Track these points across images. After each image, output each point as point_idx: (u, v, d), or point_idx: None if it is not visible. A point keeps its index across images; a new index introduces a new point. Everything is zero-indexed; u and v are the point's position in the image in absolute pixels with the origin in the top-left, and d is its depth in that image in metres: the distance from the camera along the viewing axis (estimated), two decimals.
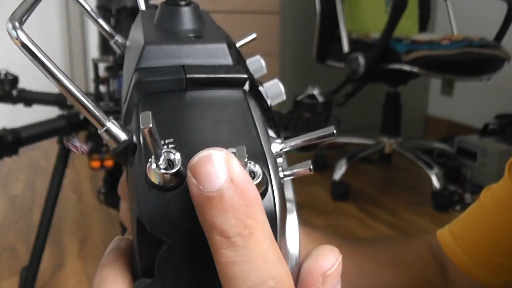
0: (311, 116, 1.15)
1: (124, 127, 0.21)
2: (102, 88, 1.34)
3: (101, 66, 1.37)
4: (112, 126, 0.20)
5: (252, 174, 0.19)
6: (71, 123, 1.11)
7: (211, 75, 0.22)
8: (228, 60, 0.23)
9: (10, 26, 0.18)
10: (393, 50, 1.78)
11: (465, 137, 2.23)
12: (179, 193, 0.19)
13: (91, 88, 1.87)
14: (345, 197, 1.96)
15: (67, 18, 2.79)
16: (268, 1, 2.27)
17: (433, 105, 2.89)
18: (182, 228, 0.19)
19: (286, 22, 2.38)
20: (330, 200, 1.96)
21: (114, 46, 0.32)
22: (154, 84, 0.22)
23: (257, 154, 0.20)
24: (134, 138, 0.20)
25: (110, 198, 1.24)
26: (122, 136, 0.20)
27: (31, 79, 1.21)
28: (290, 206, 0.25)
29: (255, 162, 0.19)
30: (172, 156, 0.18)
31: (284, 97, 0.27)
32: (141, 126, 0.17)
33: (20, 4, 0.21)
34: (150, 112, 0.18)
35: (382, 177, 2.29)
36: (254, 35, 0.31)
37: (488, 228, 0.51)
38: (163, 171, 0.18)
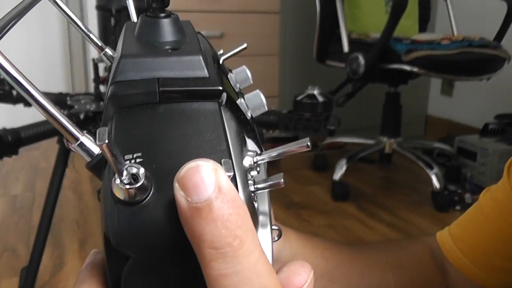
0: (311, 116, 1.15)
1: None
2: (102, 88, 1.33)
3: (101, 66, 1.37)
4: (86, 140, 0.20)
5: None
6: None
7: (184, 88, 0.22)
8: (204, 72, 0.23)
9: None
10: (393, 50, 1.78)
11: (465, 137, 2.23)
12: (143, 207, 0.19)
13: (91, 88, 1.87)
14: (345, 197, 1.96)
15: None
16: (268, 1, 2.27)
17: (433, 105, 2.89)
18: (146, 244, 0.19)
19: (286, 22, 2.37)
20: (330, 200, 1.96)
21: (104, 58, 0.32)
22: (128, 97, 0.22)
23: None
24: None
25: None
26: (95, 150, 0.20)
27: (31, 79, 1.21)
28: (264, 219, 0.25)
29: None
30: (134, 171, 0.18)
31: (265, 108, 0.27)
32: (97, 143, 0.17)
33: None
34: (106, 128, 0.18)
35: (382, 177, 2.29)
36: (244, 45, 0.31)
37: (487, 230, 0.51)
38: (127, 186, 0.18)
